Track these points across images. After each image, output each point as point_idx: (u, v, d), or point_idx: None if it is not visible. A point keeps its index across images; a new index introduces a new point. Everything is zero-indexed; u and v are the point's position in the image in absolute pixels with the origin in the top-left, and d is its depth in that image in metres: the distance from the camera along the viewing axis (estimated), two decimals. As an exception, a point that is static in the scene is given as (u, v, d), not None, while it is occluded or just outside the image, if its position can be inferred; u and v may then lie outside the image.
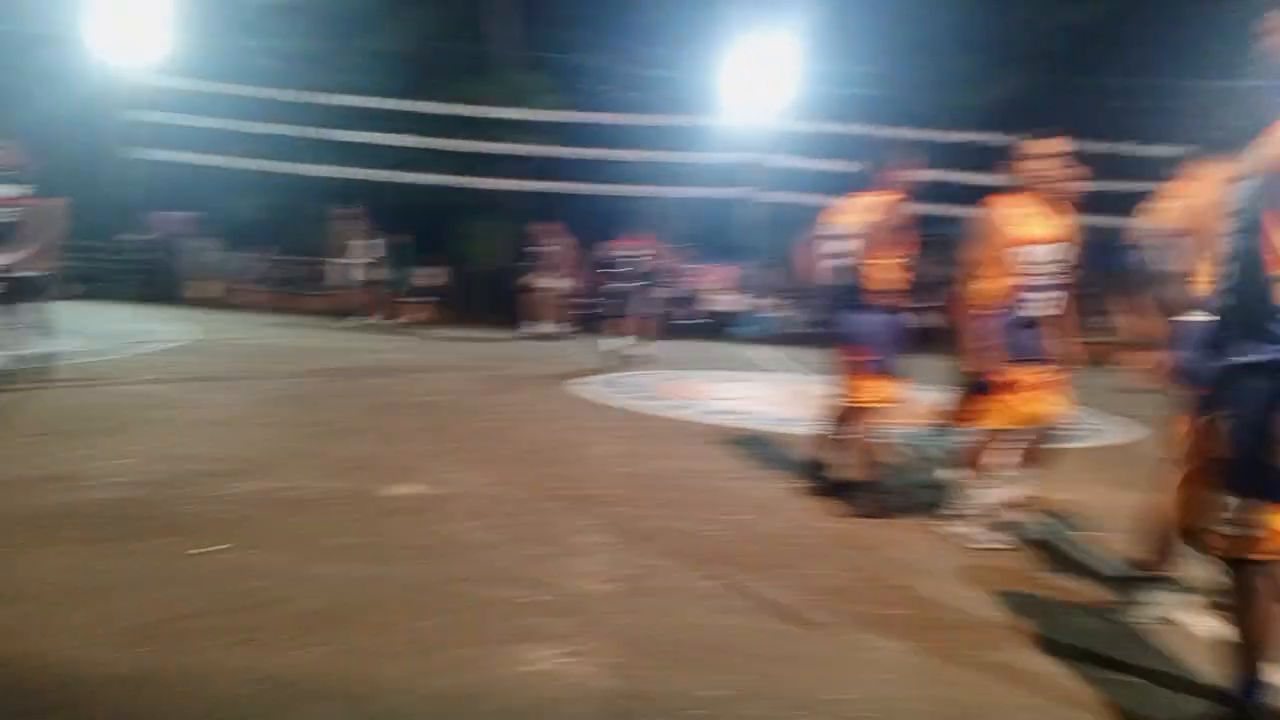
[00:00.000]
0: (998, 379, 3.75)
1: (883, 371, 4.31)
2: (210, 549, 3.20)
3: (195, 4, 17.33)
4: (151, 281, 18.17)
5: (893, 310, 4.34)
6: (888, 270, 4.30)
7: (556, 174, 18.26)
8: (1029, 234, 3.77)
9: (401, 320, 16.42)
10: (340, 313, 15.51)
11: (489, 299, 16.83)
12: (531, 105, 17.96)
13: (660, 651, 2.59)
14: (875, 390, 4.32)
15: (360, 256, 15.62)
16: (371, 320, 15.47)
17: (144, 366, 8.09)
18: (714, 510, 4.22)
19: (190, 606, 2.66)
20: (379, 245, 16.01)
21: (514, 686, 2.31)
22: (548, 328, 14.59)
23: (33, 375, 6.22)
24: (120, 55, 17.23)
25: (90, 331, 10.29)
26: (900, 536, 3.99)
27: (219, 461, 4.55)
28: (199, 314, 13.98)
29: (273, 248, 19.55)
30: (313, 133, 17.59)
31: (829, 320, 4.50)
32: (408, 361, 10.22)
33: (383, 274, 16.57)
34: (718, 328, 17.51)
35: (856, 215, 4.37)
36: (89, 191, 18.55)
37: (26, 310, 6.43)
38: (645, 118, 18.22)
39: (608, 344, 11.70)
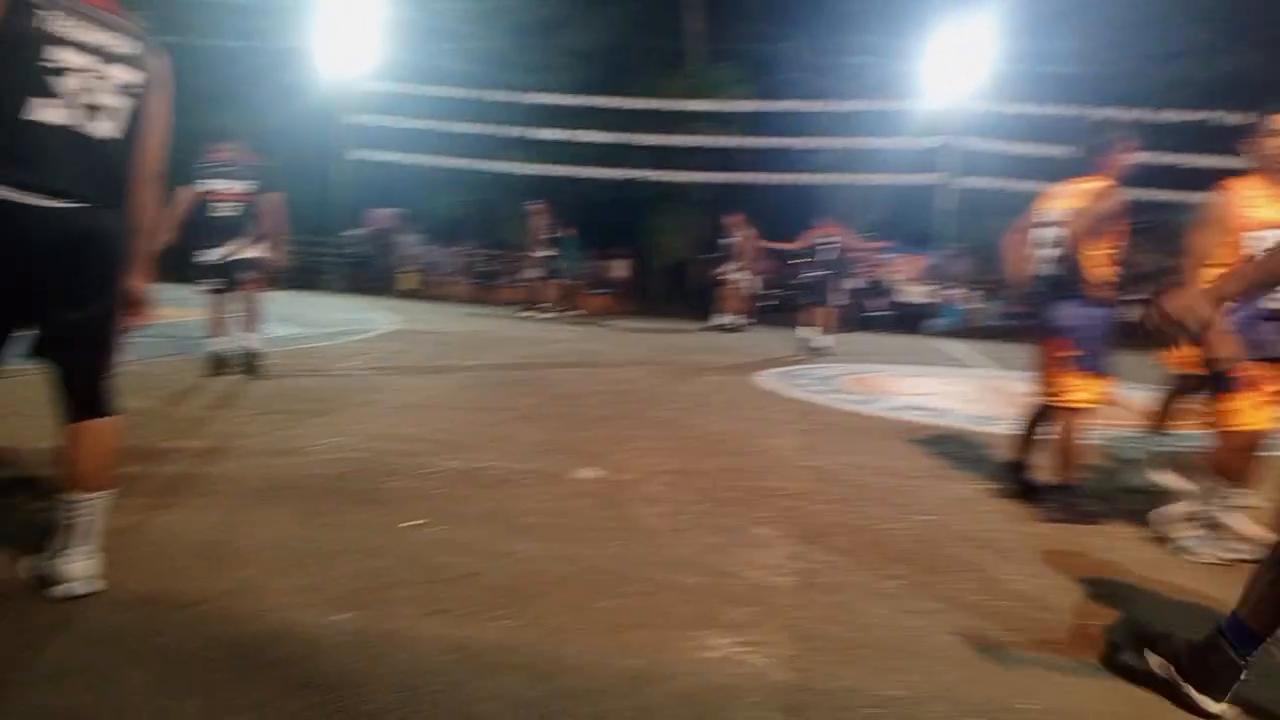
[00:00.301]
0: (1235, 377, 3.40)
1: (1090, 368, 4.02)
2: (413, 523, 3.42)
3: (403, 14, 18.46)
4: (361, 274, 19.59)
5: (1103, 303, 4.03)
6: (1099, 261, 4.00)
7: (744, 164, 18.20)
8: (1267, 218, 3.41)
9: (585, 311, 16.90)
10: (528, 303, 16.10)
11: (672, 290, 17.00)
12: (721, 96, 17.96)
13: (836, 648, 2.54)
14: (1081, 388, 4.03)
15: (544, 249, 16.13)
16: (555, 311, 15.96)
17: (352, 352, 8.73)
18: (898, 508, 4.09)
19: (393, 576, 2.85)
20: (562, 238, 16.47)
21: (692, 671, 2.33)
22: (732, 319, 14.55)
23: (254, 360, 6.64)
24: (340, 65, 18.62)
25: (306, 319, 11.23)
26: (1101, 544, 3.72)
27: (421, 441, 4.85)
28: (402, 304, 14.89)
29: (470, 241, 20.58)
30: (509, 131, 18.32)
31: (1033, 313, 4.24)
32: (592, 351, 10.50)
33: (566, 266, 17.12)
34: (908, 320, 16.93)
35: (1068, 202, 4.08)
36: (315, 191, 20.26)
37: (248, 299, 6.74)
38: (835, 104, 17.81)
39: (804, 336, 11.59)
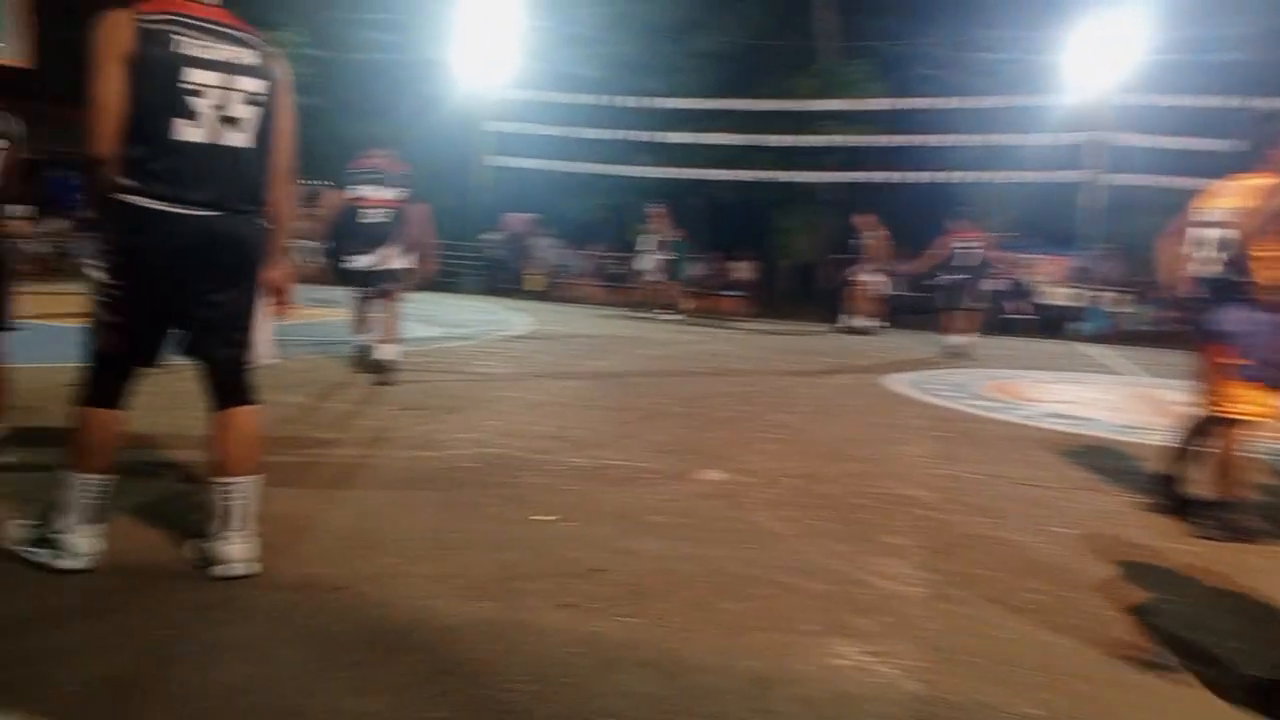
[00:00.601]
0: None
1: (1256, 378, 3.75)
2: (544, 517, 3.51)
3: (540, 23, 18.92)
4: (497, 277, 20.16)
5: (1272, 308, 3.74)
6: (1269, 263, 3.73)
7: (876, 163, 17.80)
8: None
9: (710, 313, 16.88)
10: (650, 305, 16.20)
11: (800, 292, 16.78)
12: (853, 95, 17.62)
13: (971, 662, 2.46)
14: (1246, 399, 3.76)
15: (664, 251, 16.17)
16: (676, 312, 15.97)
17: (487, 353, 9.01)
18: (1038, 521, 3.92)
19: (523, 569, 2.93)
20: (681, 240, 16.45)
21: (818, 677, 2.31)
22: (863, 321, 14.24)
23: (388, 367, 6.63)
24: (479, 75, 19.22)
25: (444, 320, 11.64)
26: (1260, 565, 3.47)
27: (552, 439, 4.97)
28: (534, 306, 15.24)
29: (601, 244, 20.89)
30: (639, 135, 18.48)
31: (1194, 318, 3.98)
32: (718, 353, 10.49)
33: (689, 268, 17.17)
34: (1051, 323, 16.17)
35: (1233, 200, 3.82)
36: (454, 197, 21.01)
37: (389, 308, 6.78)
38: (973, 100, 17.19)
39: (942, 340, 11.29)
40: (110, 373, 2.67)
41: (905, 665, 2.40)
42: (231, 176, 2.66)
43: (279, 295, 2.94)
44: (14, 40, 13.70)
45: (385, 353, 6.59)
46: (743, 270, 18.90)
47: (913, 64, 18.52)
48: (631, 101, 18.30)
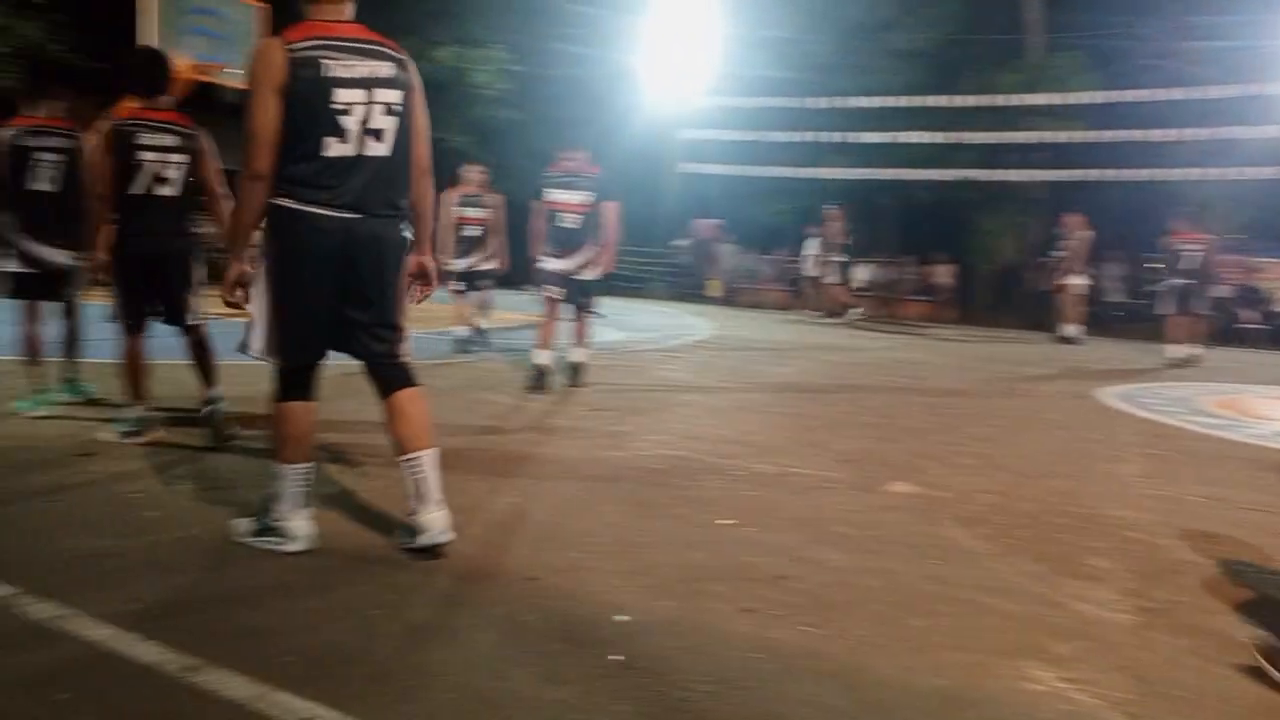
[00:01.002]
0: None
1: None
2: (727, 521, 3.55)
3: (733, 29, 19.00)
4: (682, 282, 20.42)
5: None
6: None
7: (1086, 161, 16.66)
8: None
9: (900, 318, 16.35)
10: (821, 309, 15.87)
11: (1001, 297, 15.94)
12: (1061, 89, 16.57)
13: (1183, 697, 2.28)
14: None
15: (834, 254, 15.80)
16: (846, 317, 15.54)
17: (672, 357, 9.15)
18: (1268, 550, 3.57)
19: (706, 571, 2.98)
20: (849, 243, 15.97)
21: (1009, 701, 2.22)
22: (1068, 328, 13.38)
23: (578, 372, 6.78)
24: (673, 81, 19.54)
25: (631, 325, 11.91)
26: None
27: (735, 444, 5.00)
28: (719, 311, 15.31)
29: (786, 249, 20.69)
30: (831, 137, 18.17)
31: None
32: (910, 360, 10.16)
33: (860, 271, 16.71)
34: (1286, 334, 14.62)
35: None
36: (645, 203, 21.47)
37: (581, 317, 6.78)
38: (1194, 92, 15.75)
39: (1170, 351, 10.50)
40: (293, 369, 2.94)
41: (1106, 695, 2.26)
42: (374, 183, 2.87)
43: (424, 276, 3.17)
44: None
45: (576, 355, 6.77)
46: (939, 274, 18.20)
47: (1129, 55, 17.20)
48: (824, 103, 18.01)
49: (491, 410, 5.66)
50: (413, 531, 2.95)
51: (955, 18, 17.96)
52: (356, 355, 3.02)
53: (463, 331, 8.46)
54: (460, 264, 8.46)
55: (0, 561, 2.73)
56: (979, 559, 3.30)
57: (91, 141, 4.56)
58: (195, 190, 4.41)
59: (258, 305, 2.88)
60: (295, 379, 2.94)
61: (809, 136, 18.18)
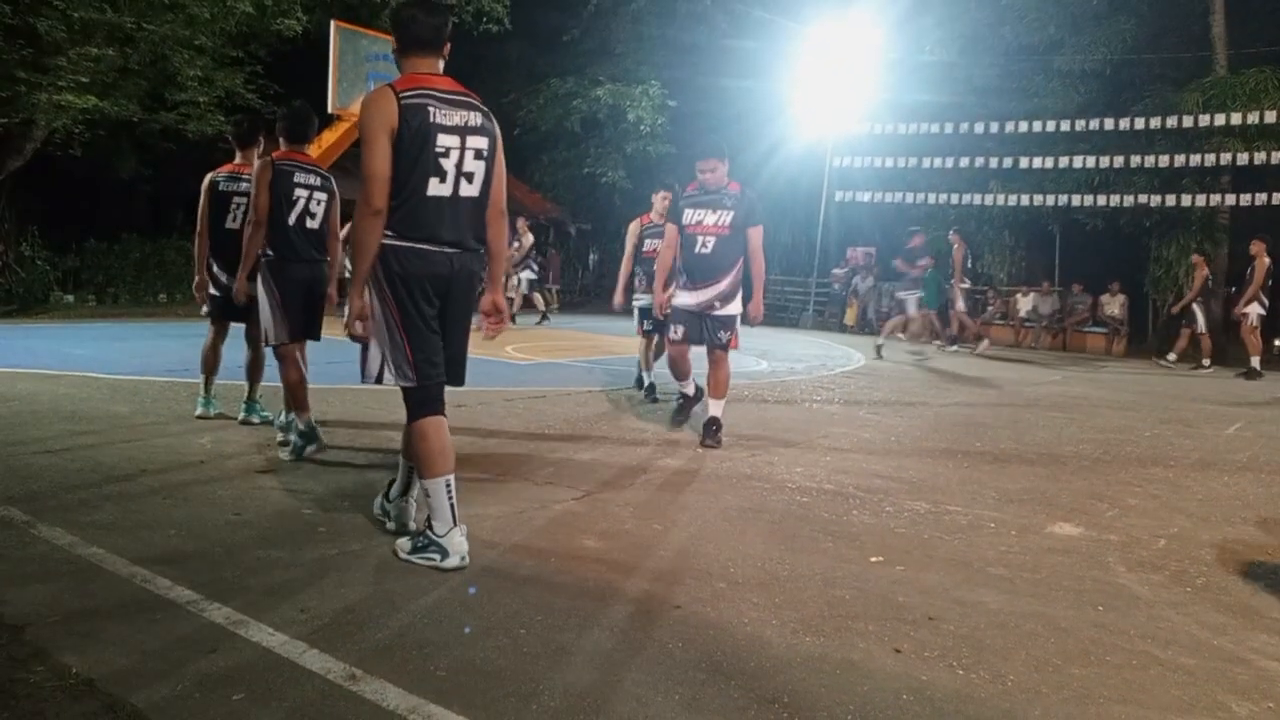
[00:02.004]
0: None
1: None
2: (877, 558, 3.46)
3: (887, 54, 18.73)
4: (832, 311, 20.12)
5: None
6: None
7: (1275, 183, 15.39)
8: None
9: (1067, 350, 15.51)
10: (959, 339, 15.21)
11: (1179, 329, 14.81)
12: (1250, 108, 15.40)
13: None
14: None
15: (964, 280, 15.20)
16: (963, 345, 14.84)
17: (822, 387, 9.00)
18: None
19: (854, 608, 2.91)
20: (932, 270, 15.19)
21: (1183, 765, 2.06)
22: (1254, 361, 12.35)
23: (719, 418, 5.89)
24: (826, 112, 19.40)
25: (779, 354, 11.80)
26: None
27: (886, 479, 4.87)
28: (869, 340, 14.94)
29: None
30: (992, 163, 17.54)
31: None
32: (1078, 395, 9.61)
33: (1036, 301, 15.94)
34: None
35: None
36: (800, 234, 21.37)
37: (720, 355, 5.77)
38: None
39: None
40: (416, 388, 3.18)
41: (1299, 766, 2.06)
42: (464, 221, 3.18)
43: (496, 313, 3.40)
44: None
45: (712, 408, 5.75)
46: (1111, 304, 17.17)
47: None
48: (980, 129, 17.43)
49: (640, 437, 5.74)
50: (424, 541, 3.17)
51: (1126, 36, 17.04)
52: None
53: (643, 374, 7.64)
54: (644, 299, 7.29)
55: (187, 568, 2.98)
56: (1150, 607, 3.08)
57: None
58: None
59: (379, 334, 3.17)
60: (424, 396, 3.18)
61: (970, 162, 17.60)
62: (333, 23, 15.25)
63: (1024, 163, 17.08)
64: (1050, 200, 17.14)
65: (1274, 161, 15.17)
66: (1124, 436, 6.85)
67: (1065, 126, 16.74)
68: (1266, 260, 12.41)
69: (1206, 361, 13.33)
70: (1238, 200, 15.85)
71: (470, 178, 3.15)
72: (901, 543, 3.70)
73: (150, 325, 12.87)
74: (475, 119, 3.16)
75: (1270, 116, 15.09)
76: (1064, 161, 16.71)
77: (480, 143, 3.16)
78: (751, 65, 20.32)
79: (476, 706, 2.14)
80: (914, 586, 3.17)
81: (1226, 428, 7.63)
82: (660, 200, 7.25)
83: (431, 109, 3.04)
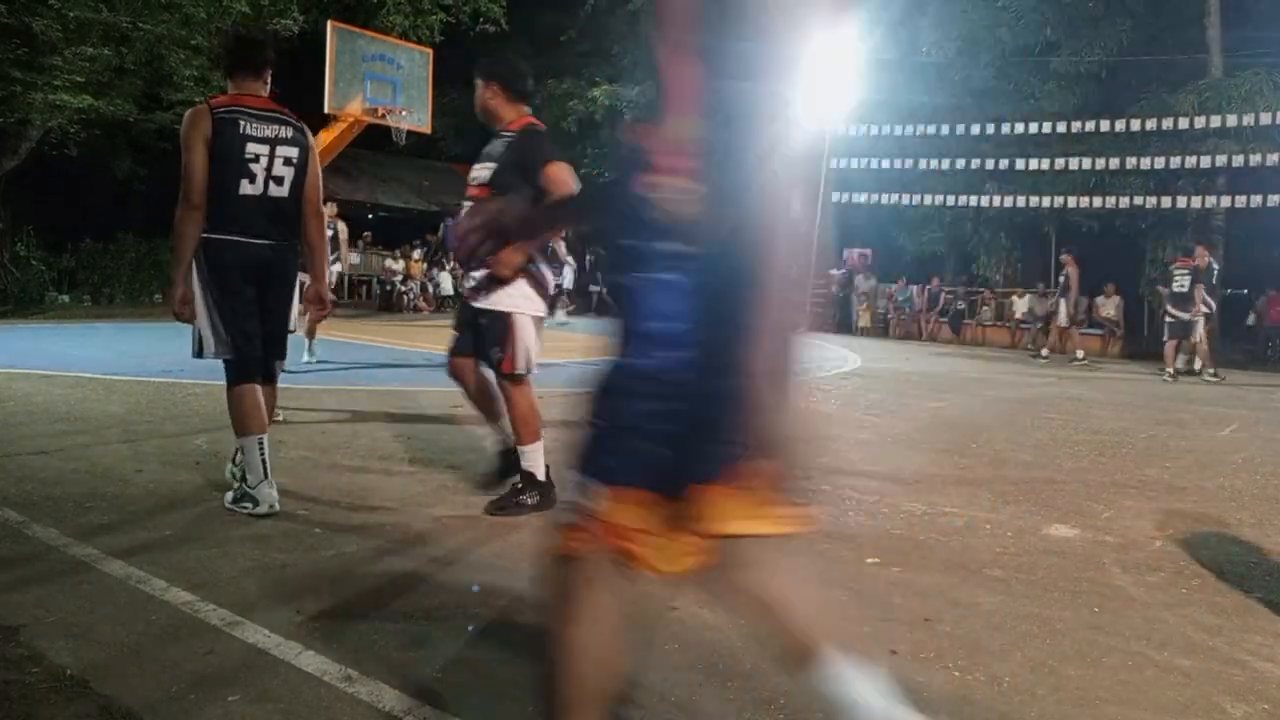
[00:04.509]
0: None
1: None
2: (872, 560, 3.46)
3: (883, 56, 18.74)
4: (828, 313, 20.14)
5: None
6: None
7: (1268, 186, 15.43)
8: None
9: (1053, 350, 15.57)
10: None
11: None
12: (1245, 110, 15.45)
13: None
14: None
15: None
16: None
17: (819, 389, 9.00)
18: None
19: (849, 610, 2.91)
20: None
21: (1178, 766, 2.06)
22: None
23: None
24: (822, 113, 19.41)
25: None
26: None
27: (883, 480, 4.87)
28: (866, 342, 15.00)
29: (937, 279, 20.11)
30: (988, 164, 17.59)
31: None
32: (1074, 396, 9.63)
33: (1031, 303, 16.02)
34: None
35: None
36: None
37: None
38: None
39: None
40: (234, 360, 3.73)
41: (1295, 768, 2.07)
42: (276, 217, 3.72)
43: (318, 307, 4.10)
44: (420, 112, 16.14)
45: None
46: (1106, 306, 17.21)
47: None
48: (976, 130, 17.46)
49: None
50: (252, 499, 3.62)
51: (1122, 38, 17.09)
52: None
53: None
54: None
55: (183, 569, 2.97)
56: (1146, 608, 3.08)
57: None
58: None
59: (201, 316, 3.66)
60: (241, 367, 3.69)
61: (966, 163, 17.64)
62: (329, 23, 15.24)
63: (1020, 164, 17.14)
64: (1046, 202, 17.19)
65: (1269, 163, 15.22)
66: (1120, 438, 6.86)
67: (1061, 128, 16.80)
68: (1076, 270, 14.63)
69: (1080, 353, 14.70)
70: (1233, 202, 15.92)
71: (280, 181, 3.70)
72: (898, 544, 3.70)
73: (145, 325, 12.85)
74: (286, 132, 3.73)
75: (1265, 119, 15.14)
76: (1060, 163, 16.78)
77: (290, 152, 3.73)
78: (748, 65, 20.30)
79: (472, 708, 2.13)
80: (910, 588, 3.16)
81: (1222, 429, 7.65)
82: None
83: (243, 122, 3.62)
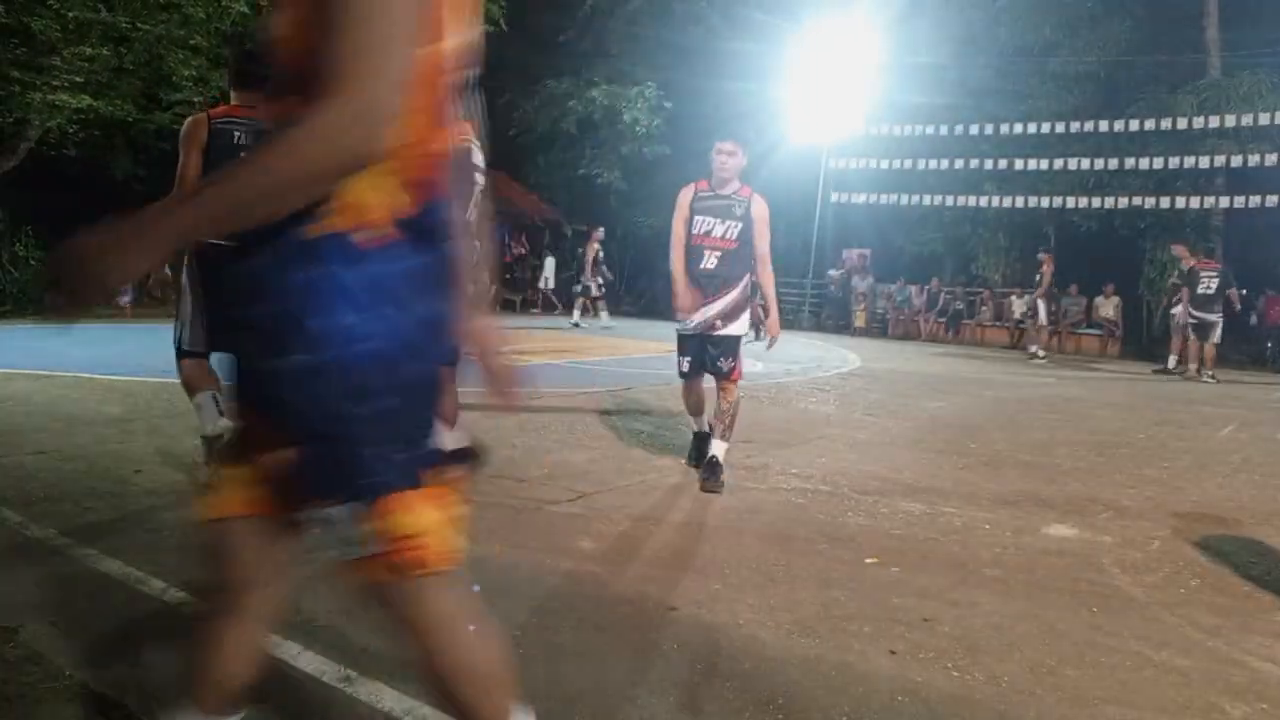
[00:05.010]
0: None
1: None
2: (872, 560, 3.46)
3: (882, 56, 18.75)
4: (828, 313, 20.14)
5: None
6: None
7: (1269, 186, 15.45)
8: None
9: (1052, 350, 15.61)
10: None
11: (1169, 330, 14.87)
12: (1245, 110, 15.46)
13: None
14: None
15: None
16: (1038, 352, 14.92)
17: (818, 389, 9.01)
18: None
19: (846, 609, 2.92)
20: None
21: (1177, 766, 2.06)
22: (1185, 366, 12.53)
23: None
24: (822, 113, 19.44)
25: (773, 356, 11.79)
26: None
27: (882, 480, 4.87)
28: (866, 342, 15.01)
29: (935, 279, 20.11)
30: (987, 164, 17.59)
31: None
32: (1072, 396, 9.64)
33: (1030, 304, 16.07)
34: None
35: None
36: (795, 236, 21.41)
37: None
38: None
39: None
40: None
41: (1293, 767, 2.07)
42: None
43: None
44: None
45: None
46: (1105, 307, 17.22)
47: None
48: (975, 130, 17.47)
49: (637, 439, 5.74)
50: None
51: (1121, 39, 17.10)
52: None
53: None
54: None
55: (181, 569, 2.97)
56: (1145, 608, 3.09)
57: None
58: None
59: (184, 308, 3.94)
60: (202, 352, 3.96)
61: (966, 164, 17.65)
62: (328, 23, 15.18)
63: (1019, 165, 17.15)
64: (1045, 202, 17.21)
65: (1268, 164, 15.24)
66: (1119, 438, 6.87)
67: (1060, 129, 16.81)
68: (1051, 268, 14.89)
69: (1040, 351, 15.19)
70: (1231, 202, 15.94)
71: None
72: (897, 544, 3.70)
73: (145, 326, 12.85)
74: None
75: (1264, 119, 15.16)
76: (1059, 163, 16.79)
77: None
78: (748, 67, 20.33)
79: (472, 708, 2.13)
80: (909, 588, 3.17)
81: (1221, 429, 7.66)
82: (723, 158, 4.88)
83: (237, 133, 3.82)
